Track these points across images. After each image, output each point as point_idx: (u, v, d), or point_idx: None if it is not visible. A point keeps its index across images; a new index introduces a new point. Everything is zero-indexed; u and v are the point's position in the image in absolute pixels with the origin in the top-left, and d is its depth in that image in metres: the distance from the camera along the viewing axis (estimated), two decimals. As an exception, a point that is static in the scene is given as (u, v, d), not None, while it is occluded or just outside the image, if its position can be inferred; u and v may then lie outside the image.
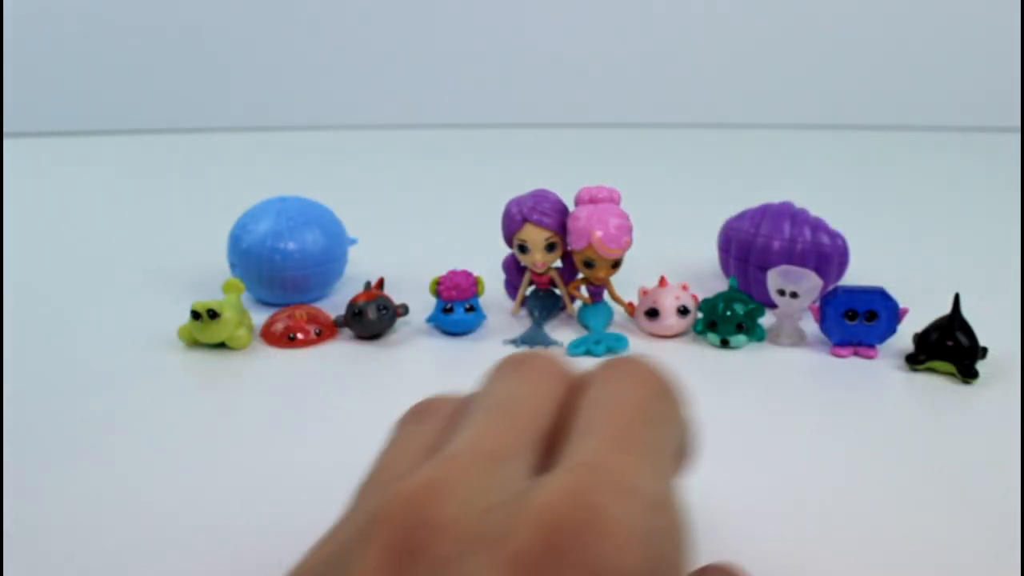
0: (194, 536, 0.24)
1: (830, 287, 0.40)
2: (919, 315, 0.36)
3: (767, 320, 0.39)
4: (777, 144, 0.92)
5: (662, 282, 0.40)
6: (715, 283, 0.45)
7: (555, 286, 0.41)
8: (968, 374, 0.34)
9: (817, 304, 0.37)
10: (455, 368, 0.37)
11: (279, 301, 0.42)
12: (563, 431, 0.17)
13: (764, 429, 0.31)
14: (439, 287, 0.39)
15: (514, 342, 0.39)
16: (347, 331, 0.40)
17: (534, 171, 0.79)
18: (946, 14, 0.96)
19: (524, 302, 0.41)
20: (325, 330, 0.39)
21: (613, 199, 0.39)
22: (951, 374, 0.35)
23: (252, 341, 0.38)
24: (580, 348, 0.37)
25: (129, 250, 0.54)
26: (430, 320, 0.40)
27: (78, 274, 0.49)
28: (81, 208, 0.67)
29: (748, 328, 0.38)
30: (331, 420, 0.31)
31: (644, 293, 0.40)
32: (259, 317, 0.41)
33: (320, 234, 0.42)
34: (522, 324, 0.41)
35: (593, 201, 0.39)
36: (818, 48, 0.99)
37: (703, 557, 0.24)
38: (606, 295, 0.41)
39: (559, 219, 0.39)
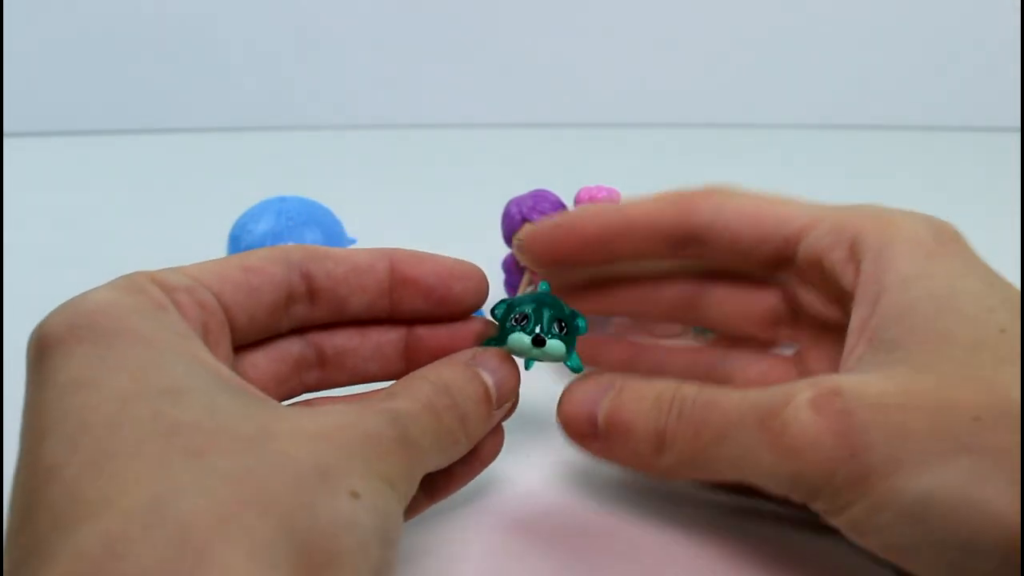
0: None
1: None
2: (919, 315, 0.36)
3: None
4: (777, 144, 0.92)
5: (662, 282, 0.40)
6: (715, 283, 0.45)
7: (555, 286, 0.41)
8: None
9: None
10: (455, 368, 0.37)
11: (279, 301, 0.42)
12: None
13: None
14: (439, 287, 0.39)
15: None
16: (347, 331, 0.40)
17: (534, 171, 0.79)
18: (946, 14, 0.96)
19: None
20: (325, 330, 0.39)
21: (613, 199, 0.39)
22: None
23: (252, 341, 0.38)
24: None
25: (129, 250, 0.54)
26: (430, 320, 0.40)
27: (78, 274, 0.49)
28: (81, 208, 0.67)
29: (748, 328, 0.37)
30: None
31: (644, 293, 0.40)
32: (259, 317, 0.41)
33: (320, 234, 0.42)
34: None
35: (593, 201, 0.39)
36: (818, 48, 0.99)
37: (705, 558, 0.24)
38: (606, 295, 0.41)
39: (559, 219, 0.39)
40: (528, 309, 0.24)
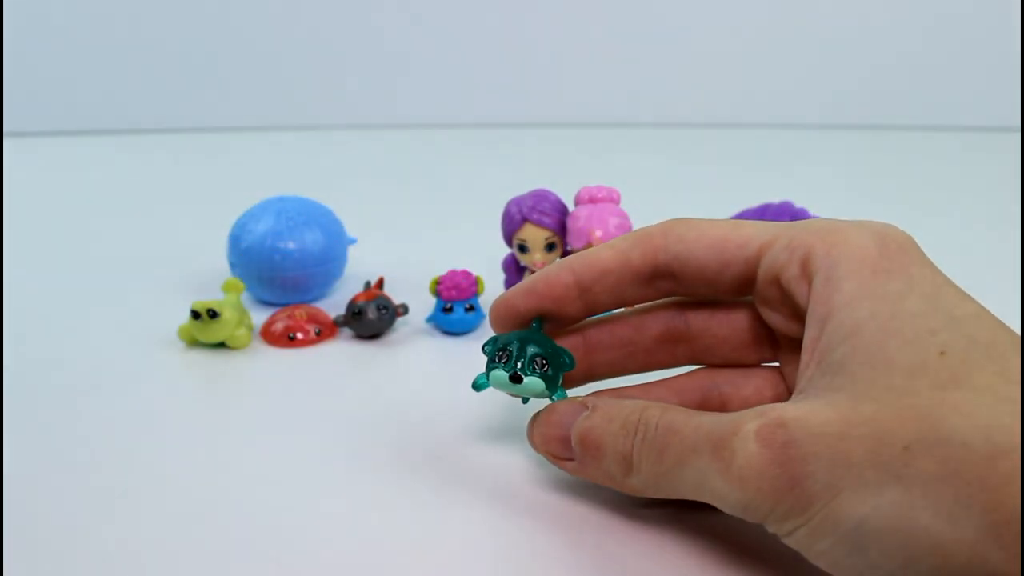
0: (192, 535, 0.24)
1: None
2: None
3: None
4: (777, 144, 0.92)
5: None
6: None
7: (555, 286, 0.41)
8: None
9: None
10: (455, 368, 0.37)
11: (279, 301, 0.42)
12: None
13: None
14: (439, 287, 0.39)
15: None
16: (347, 331, 0.40)
17: (534, 171, 0.79)
18: (946, 14, 0.96)
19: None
20: (325, 330, 0.39)
21: (613, 199, 0.39)
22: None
23: (252, 341, 0.38)
24: None
25: (129, 250, 0.54)
26: (430, 320, 0.40)
27: (78, 274, 0.49)
28: (81, 208, 0.67)
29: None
30: (331, 420, 0.31)
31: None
32: (259, 317, 0.41)
33: (320, 234, 0.42)
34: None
35: (593, 201, 0.39)
36: (818, 48, 0.99)
37: (700, 556, 0.24)
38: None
39: (559, 219, 0.39)
40: (512, 347, 0.25)
